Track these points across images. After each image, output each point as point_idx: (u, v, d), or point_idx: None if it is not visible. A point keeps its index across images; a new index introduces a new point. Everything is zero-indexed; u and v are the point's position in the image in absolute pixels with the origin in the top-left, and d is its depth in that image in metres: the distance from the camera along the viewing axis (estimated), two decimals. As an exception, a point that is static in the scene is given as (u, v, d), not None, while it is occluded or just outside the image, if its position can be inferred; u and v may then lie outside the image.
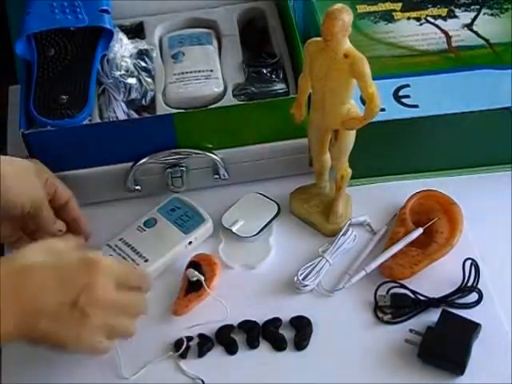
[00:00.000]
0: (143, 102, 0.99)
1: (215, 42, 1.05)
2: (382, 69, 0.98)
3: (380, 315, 0.86)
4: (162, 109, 0.97)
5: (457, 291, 0.86)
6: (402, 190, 0.96)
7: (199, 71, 1.00)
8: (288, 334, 0.85)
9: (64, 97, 0.95)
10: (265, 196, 0.97)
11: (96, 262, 0.76)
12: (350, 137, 0.87)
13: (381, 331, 0.85)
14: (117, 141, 0.93)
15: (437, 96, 0.95)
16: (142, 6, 1.09)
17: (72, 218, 0.91)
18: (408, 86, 0.97)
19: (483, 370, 0.80)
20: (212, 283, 0.88)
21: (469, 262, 0.86)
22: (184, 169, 0.97)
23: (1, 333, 0.71)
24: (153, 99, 0.99)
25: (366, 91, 0.79)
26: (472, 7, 1.07)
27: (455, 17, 1.07)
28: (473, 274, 0.86)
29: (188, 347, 0.84)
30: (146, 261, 0.90)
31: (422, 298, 0.85)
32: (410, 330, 0.83)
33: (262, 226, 0.95)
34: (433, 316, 0.84)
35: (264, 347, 0.85)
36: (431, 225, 0.91)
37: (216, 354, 0.84)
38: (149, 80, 0.99)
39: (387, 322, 0.85)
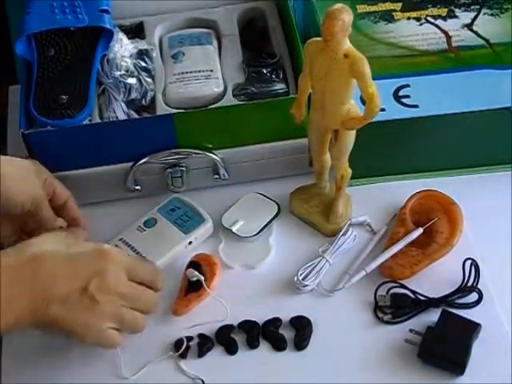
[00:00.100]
0: (143, 102, 0.99)
1: (215, 42, 1.05)
2: (382, 69, 0.98)
3: (380, 315, 0.86)
4: (162, 109, 0.97)
5: (457, 291, 0.86)
6: (402, 189, 0.96)
7: (199, 71, 1.00)
8: (288, 333, 0.85)
9: (64, 97, 0.95)
10: (265, 196, 0.97)
11: (108, 252, 0.78)
12: (350, 137, 0.87)
13: (381, 331, 0.85)
14: (117, 141, 0.93)
15: (437, 96, 0.95)
16: (141, 5, 1.09)
17: (71, 218, 0.91)
18: (408, 85, 0.97)
19: (483, 370, 0.80)
20: (212, 283, 0.88)
21: (469, 262, 0.86)
22: (184, 169, 0.97)
23: (15, 321, 0.72)
24: (153, 99, 0.99)
25: (366, 91, 0.79)
26: (472, 7, 1.07)
27: (455, 17, 1.07)
28: (473, 274, 0.86)
29: (188, 347, 0.84)
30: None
31: (422, 298, 0.85)
32: (410, 330, 0.83)
33: (262, 226, 0.95)
34: (433, 316, 0.84)
35: (264, 347, 0.85)
36: (431, 225, 0.91)
37: (216, 354, 0.84)
38: (149, 80, 0.99)
39: (387, 322, 0.85)
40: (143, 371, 0.83)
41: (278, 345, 0.84)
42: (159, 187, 0.98)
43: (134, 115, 0.98)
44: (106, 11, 1.01)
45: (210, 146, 0.96)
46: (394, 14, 1.08)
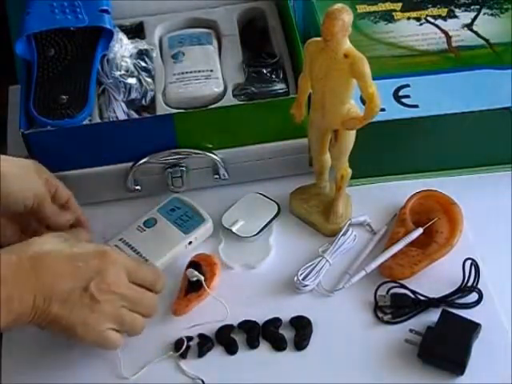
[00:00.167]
0: (143, 101, 0.99)
1: (215, 42, 1.05)
2: (382, 69, 0.98)
3: (380, 315, 0.86)
4: (162, 109, 0.97)
5: (457, 291, 0.86)
6: (402, 189, 0.96)
7: (199, 71, 1.00)
8: (288, 333, 0.85)
9: (64, 97, 0.95)
10: (265, 196, 0.97)
11: (109, 253, 0.79)
12: (350, 137, 0.87)
13: (381, 331, 0.85)
14: (117, 141, 0.93)
15: (437, 96, 0.95)
16: (141, 5, 1.09)
17: (73, 217, 0.91)
18: (408, 86, 0.97)
19: (483, 370, 0.80)
20: (212, 283, 0.88)
21: (469, 262, 0.86)
22: (184, 169, 0.97)
23: (16, 318, 0.73)
24: (153, 99, 0.99)
25: (366, 91, 0.79)
26: (472, 7, 1.07)
27: (455, 17, 1.07)
28: (473, 274, 0.86)
29: (188, 347, 0.84)
30: (146, 261, 0.90)
31: (422, 298, 0.85)
32: (410, 330, 0.83)
33: (262, 226, 0.95)
34: (433, 316, 0.84)
35: (264, 347, 0.85)
36: (431, 225, 0.91)
37: (216, 354, 0.84)
38: (149, 80, 0.99)
39: (387, 322, 0.85)
40: (143, 371, 0.83)
41: (278, 345, 0.84)
42: (159, 187, 0.98)
43: (134, 115, 0.98)
44: (106, 11, 1.01)
45: (210, 146, 0.96)
46: (394, 13, 1.08)
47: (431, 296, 0.85)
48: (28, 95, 0.95)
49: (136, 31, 1.07)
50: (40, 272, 0.74)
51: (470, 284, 0.86)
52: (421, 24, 1.06)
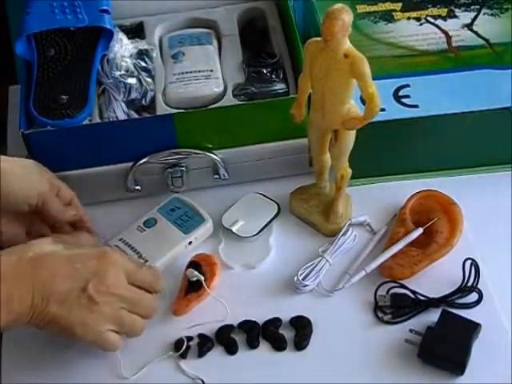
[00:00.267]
0: (143, 101, 0.99)
1: (215, 42, 1.05)
2: (382, 69, 0.98)
3: (380, 315, 0.86)
4: (162, 109, 0.97)
5: (457, 291, 0.86)
6: (402, 189, 0.96)
7: (199, 71, 1.00)
8: (288, 333, 0.85)
9: (64, 97, 0.95)
10: (265, 196, 0.97)
11: (109, 254, 0.79)
12: (350, 137, 0.87)
13: (381, 331, 0.85)
14: (117, 141, 0.93)
15: (437, 96, 0.95)
16: (141, 5, 1.09)
17: (76, 218, 0.91)
18: (408, 85, 0.97)
19: (483, 370, 0.80)
20: (212, 283, 0.88)
21: (469, 262, 0.86)
22: (184, 169, 0.97)
23: (15, 318, 0.73)
24: (153, 99, 0.99)
25: (366, 91, 0.79)
26: (472, 7, 1.07)
27: (455, 17, 1.07)
28: (473, 274, 0.86)
29: (188, 347, 0.84)
30: (146, 261, 0.90)
31: (422, 298, 0.85)
32: (410, 330, 0.83)
33: (262, 226, 0.95)
34: (433, 316, 0.84)
35: (264, 347, 0.85)
36: (431, 225, 0.91)
37: (216, 354, 0.84)
38: (149, 80, 0.99)
39: (387, 322, 0.85)
40: (143, 371, 0.83)
41: (278, 345, 0.84)
42: (159, 187, 0.98)
43: (134, 115, 0.98)
44: (106, 11, 1.01)
45: (210, 146, 0.96)
46: (394, 13, 1.08)
47: (431, 296, 0.85)
48: (28, 95, 0.95)
49: (136, 31, 1.07)
50: (39, 272, 0.75)
51: (470, 284, 0.86)
52: (421, 24, 1.06)
